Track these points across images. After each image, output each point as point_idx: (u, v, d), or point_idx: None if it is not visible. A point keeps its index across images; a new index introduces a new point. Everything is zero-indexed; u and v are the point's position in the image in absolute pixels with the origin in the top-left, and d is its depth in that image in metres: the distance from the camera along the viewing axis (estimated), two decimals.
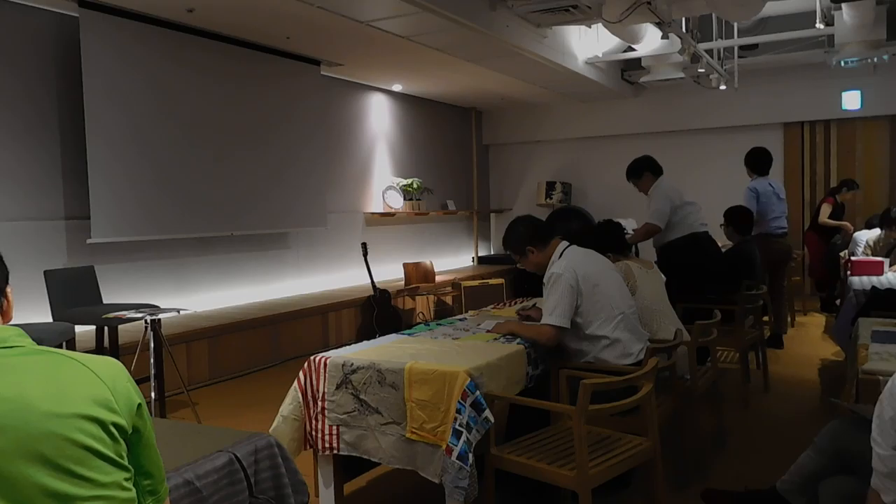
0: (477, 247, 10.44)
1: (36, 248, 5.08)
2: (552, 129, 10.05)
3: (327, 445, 2.77)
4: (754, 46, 7.73)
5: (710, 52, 7.01)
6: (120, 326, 4.40)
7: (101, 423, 1.13)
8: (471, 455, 2.44)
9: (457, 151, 10.12)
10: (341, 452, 2.76)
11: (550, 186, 9.70)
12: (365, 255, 6.63)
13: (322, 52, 6.78)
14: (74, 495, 1.09)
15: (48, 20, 5.19)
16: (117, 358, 1.61)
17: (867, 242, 6.63)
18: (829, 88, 8.23)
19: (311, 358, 2.85)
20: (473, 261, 10.35)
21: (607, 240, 3.81)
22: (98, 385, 1.16)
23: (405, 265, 7.48)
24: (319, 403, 2.80)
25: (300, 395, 2.85)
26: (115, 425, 1.15)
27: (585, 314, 3.02)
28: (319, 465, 2.87)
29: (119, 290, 5.51)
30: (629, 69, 8.67)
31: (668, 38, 6.44)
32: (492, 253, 10.67)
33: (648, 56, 7.00)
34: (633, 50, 7.09)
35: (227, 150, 6.26)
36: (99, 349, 4.46)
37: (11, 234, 4.94)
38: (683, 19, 6.20)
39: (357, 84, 8.16)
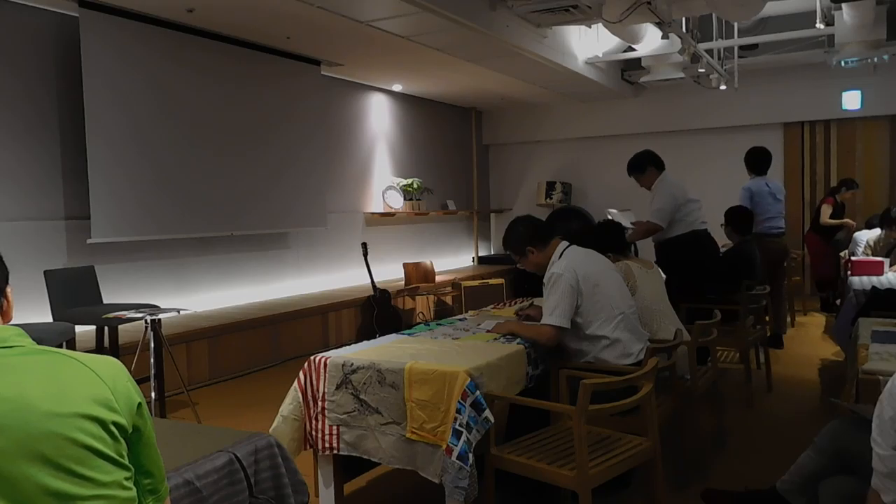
0: (477, 247, 10.44)
1: (36, 248, 5.09)
2: (552, 129, 10.05)
3: (327, 445, 2.77)
4: (754, 46, 7.73)
5: (710, 52, 7.00)
6: (120, 326, 4.40)
7: (102, 423, 1.13)
8: (471, 455, 2.44)
9: (457, 151, 10.12)
10: (341, 452, 2.76)
11: (550, 186, 9.70)
12: (365, 255, 6.64)
13: (322, 52, 6.78)
14: (75, 495, 1.09)
15: (48, 20, 5.19)
16: (117, 358, 1.61)
17: (867, 242, 6.62)
18: (829, 88, 8.23)
19: (311, 358, 2.85)
20: (473, 261, 10.35)
21: (607, 240, 3.82)
22: (98, 384, 1.16)
23: (405, 265, 7.48)
24: (319, 403, 2.80)
25: (300, 395, 2.85)
26: (116, 424, 1.15)
27: (585, 314, 3.02)
28: (319, 465, 2.87)
29: (119, 290, 5.52)
30: (629, 69, 8.67)
31: (668, 38, 6.43)
32: (492, 253, 10.66)
33: (648, 56, 6.99)
34: (633, 50, 7.09)
35: (227, 150, 6.26)
36: (99, 349, 4.46)
37: (11, 234, 4.94)
38: (683, 19, 6.19)
39: (357, 84, 8.16)
